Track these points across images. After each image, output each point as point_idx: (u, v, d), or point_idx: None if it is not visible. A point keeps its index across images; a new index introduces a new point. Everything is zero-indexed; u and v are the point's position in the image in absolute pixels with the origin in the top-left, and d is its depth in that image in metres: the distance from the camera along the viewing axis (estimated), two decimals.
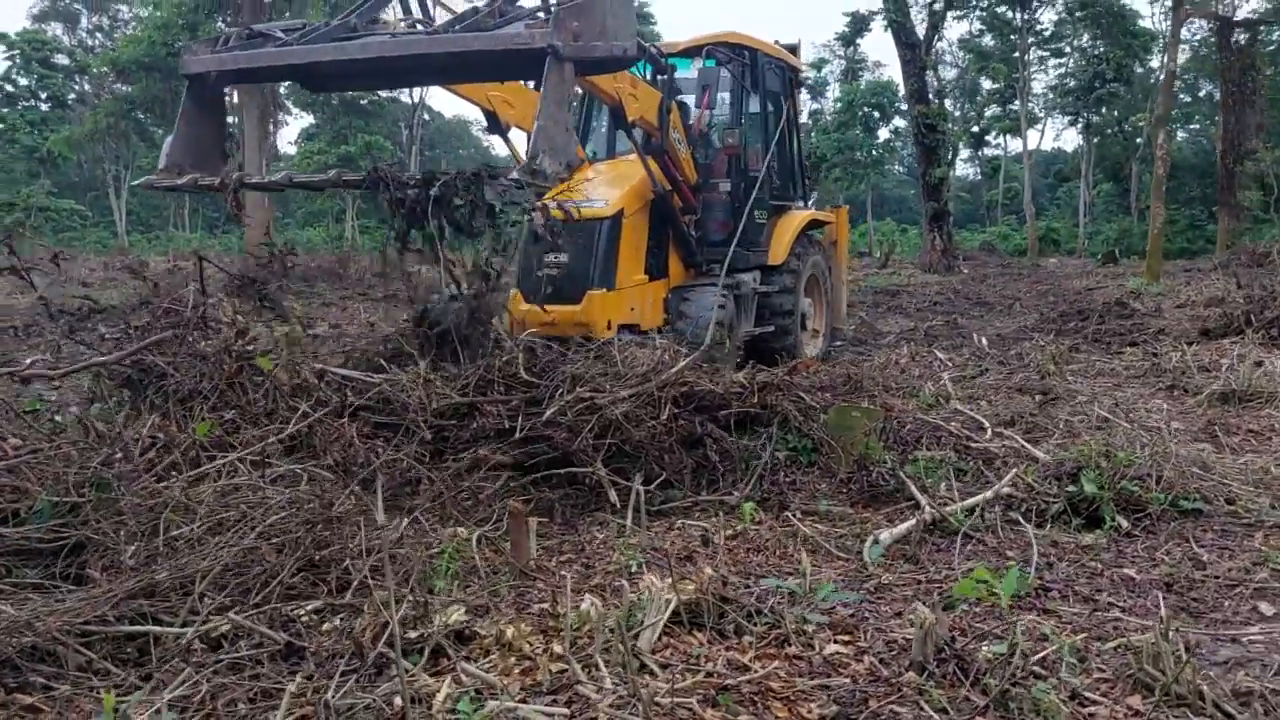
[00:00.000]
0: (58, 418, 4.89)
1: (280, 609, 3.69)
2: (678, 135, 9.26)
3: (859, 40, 53.77)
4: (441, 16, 7.11)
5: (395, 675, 3.22)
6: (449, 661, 3.41)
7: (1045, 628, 3.71)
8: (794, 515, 5.34)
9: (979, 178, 68.45)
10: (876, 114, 51.50)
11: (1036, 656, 3.50)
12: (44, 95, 58.66)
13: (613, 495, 5.27)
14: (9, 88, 57.91)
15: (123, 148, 50.87)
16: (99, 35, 66.09)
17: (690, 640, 3.73)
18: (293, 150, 57.80)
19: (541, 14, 6.20)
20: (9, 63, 57.43)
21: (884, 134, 54.18)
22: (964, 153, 64.24)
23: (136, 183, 7.36)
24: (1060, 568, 4.56)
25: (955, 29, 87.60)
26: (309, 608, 3.74)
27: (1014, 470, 5.54)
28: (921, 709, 3.16)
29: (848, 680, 3.41)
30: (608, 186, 9.41)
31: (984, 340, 12.33)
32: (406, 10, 7.96)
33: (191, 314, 6.02)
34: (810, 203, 13.57)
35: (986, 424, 6.70)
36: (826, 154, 49.42)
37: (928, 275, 29.52)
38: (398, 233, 6.12)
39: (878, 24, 46.18)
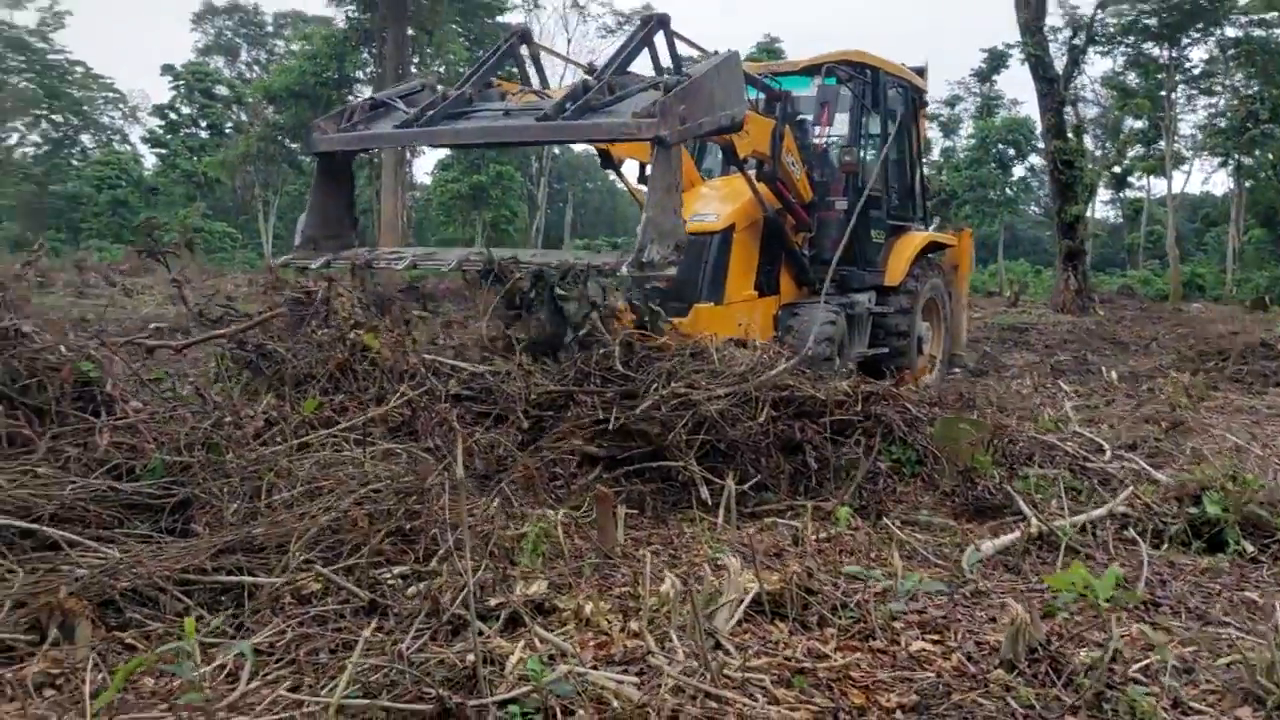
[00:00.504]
0: (178, 387, 5.11)
1: (368, 572, 3.77)
2: (792, 158, 9.22)
3: (995, 77, 52.81)
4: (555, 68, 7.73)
5: (470, 635, 3.25)
6: (525, 629, 3.41)
7: (1151, 638, 3.50)
8: (892, 524, 5.20)
9: (1120, 220, 65.99)
10: (1011, 151, 50.28)
11: (1138, 665, 3.31)
12: (204, 124, 62.14)
13: (704, 492, 5.23)
14: (173, 116, 61.51)
15: (272, 173, 53.41)
16: (256, 68, 69.67)
17: (771, 629, 3.66)
18: (428, 179, 59.86)
19: (654, 89, 6.51)
20: (174, 92, 61.08)
21: (1019, 171, 52.85)
22: (1104, 194, 62.17)
23: (281, 259, 7.92)
24: (1174, 586, 4.30)
25: (1098, 65, 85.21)
26: (395, 572, 3.80)
27: (1130, 489, 5.27)
28: (1007, 704, 3.01)
29: (932, 675, 3.28)
30: (719, 202, 9.43)
31: (1114, 374, 11.82)
32: (524, 80, 8.28)
33: (315, 306, 6.27)
34: (932, 226, 13.26)
35: (1106, 446, 6.41)
36: (957, 191, 48.51)
37: (1060, 316, 28.53)
38: (508, 318, 6.41)
39: (1015, 60, 45.33)
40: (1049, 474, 5.78)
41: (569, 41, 53.64)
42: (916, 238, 11.31)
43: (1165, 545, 4.84)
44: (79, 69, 60.55)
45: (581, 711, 2.82)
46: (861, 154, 10.45)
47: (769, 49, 47.90)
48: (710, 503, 5.22)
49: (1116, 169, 55.72)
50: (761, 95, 9.13)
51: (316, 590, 3.68)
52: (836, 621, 3.70)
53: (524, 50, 8.28)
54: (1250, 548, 4.80)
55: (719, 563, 4.39)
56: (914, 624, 3.74)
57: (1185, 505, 5.07)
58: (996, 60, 50.76)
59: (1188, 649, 3.51)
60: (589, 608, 3.62)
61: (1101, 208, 67.98)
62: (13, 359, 4.26)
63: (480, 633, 3.32)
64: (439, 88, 7.99)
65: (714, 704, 2.83)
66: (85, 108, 63.17)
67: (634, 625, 3.53)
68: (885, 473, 5.80)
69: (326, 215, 7.77)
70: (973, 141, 52.75)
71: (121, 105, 67.49)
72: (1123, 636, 3.59)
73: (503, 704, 2.90)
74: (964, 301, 13.17)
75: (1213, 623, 3.84)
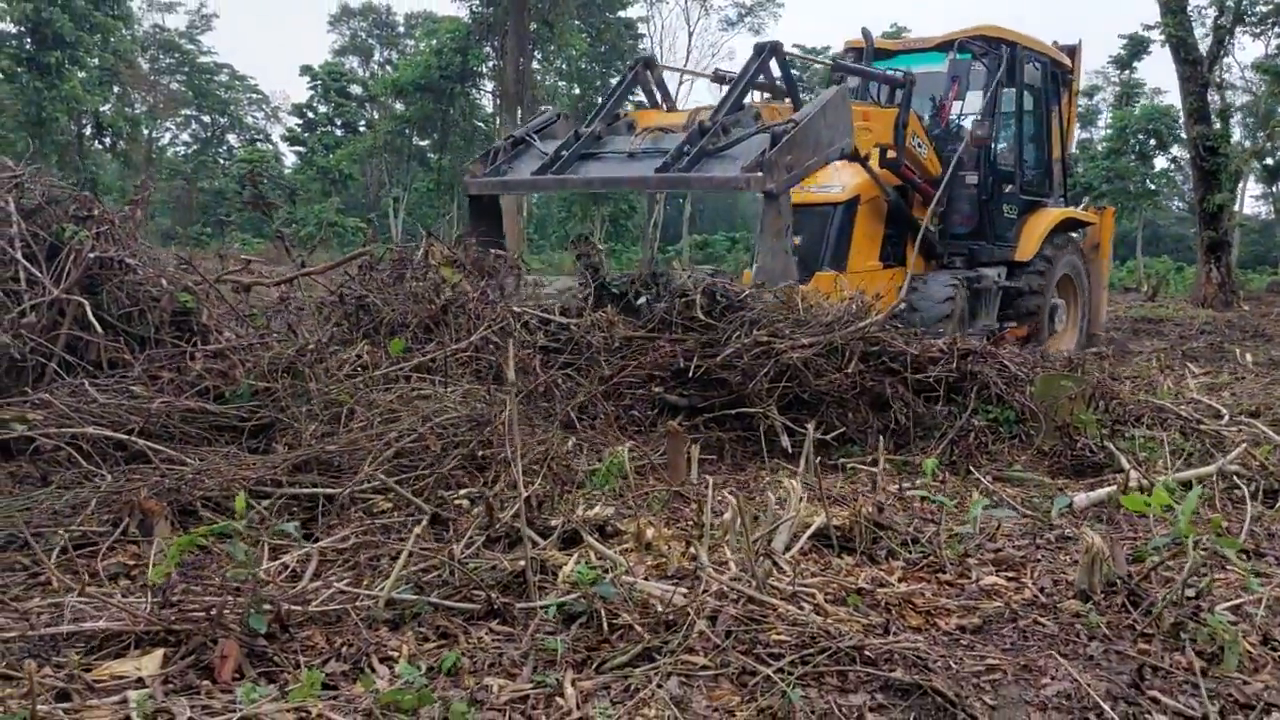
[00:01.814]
0: (273, 324, 5.29)
1: (436, 491, 3.82)
2: (918, 139, 9.21)
3: (1135, 64, 50.53)
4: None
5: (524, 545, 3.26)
6: (583, 545, 3.41)
7: (1240, 569, 3.27)
8: (981, 477, 5.01)
9: (1272, 216, 62.39)
10: (1152, 141, 48.01)
11: (1227, 604, 3.09)
12: (339, 121, 64.45)
13: (784, 440, 5.13)
14: (310, 115, 63.95)
15: (400, 170, 55.03)
16: (389, 67, 71.88)
17: (837, 561, 3.56)
18: None
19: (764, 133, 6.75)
20: (311, 92, 63.50)
21: (1160, 163, 50.43)
22: (1255, 188, 58.97)
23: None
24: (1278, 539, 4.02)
25: (1250, 50, 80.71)
26: (462, 493, 3.84)
27: (1242, 445, 4.95)
28: (1074, 628, 2.85)
29: (1000, 605, 3.14)
30: (847, 173, 9.33)
31: (1248, 358, 11.15)
32: (653, 102, 8.49)
33: (414, 263, 6.42)
34: (1080, 206, 12.82)
35: (1225, 412, 6.04)
36: (1094, 183, 46.61)
37: (1201, 310, 27.11)
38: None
39: (1156, 46, 43.26)
40: (1157, 436, 5.48)
41: (690, 35, 53.71)
42: (1051, 214, 11.00)
43: (1277, 505, 4.52)
44: (225, 71, 63.53)
45: (625, 615, 2.79)
46: (994, 129, 10.22)
47: (894, 37, 46.94)
48: (790, 452, 5.12)
49: (1269, 160, 52.70)
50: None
51: (386, 507, 3.76)
52: (905, 555, 3.58)
53: (650, 74, 8.62)
54: None
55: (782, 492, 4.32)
56: (989, 561, 3.59)
57: None
58: (1137, 46, 48.51)
59: None
60: (651, 532, 3.59)
61: (1251, 203, 64.53)
62: (118, 289, 4.46)
63: (535, 545, 3.33)
64: (568, 119, 8.45)
65: (755, 607, 2.76)
66: (231, 108, 66.12)
67: (694, 549, 3.49)
68: (980, 430, 5.60)
69: (478, 244, 8.18)
70: (1111, 132, 50.55)
71: (265, 106, 70.50)
72: (1215, 580, 3.38)
73: (551, 608, 2.89)
74: (1104, 281, 12.75)
75: None
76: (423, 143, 52.47)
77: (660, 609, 2.80)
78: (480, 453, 4.07)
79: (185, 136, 65.10)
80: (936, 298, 8.89)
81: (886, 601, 3.08)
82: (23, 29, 35.05)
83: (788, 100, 7.72)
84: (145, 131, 52.49)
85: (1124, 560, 3.31)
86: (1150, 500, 3.14)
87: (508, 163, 7.93)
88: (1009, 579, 3.44)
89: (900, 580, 3.35)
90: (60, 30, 34.83)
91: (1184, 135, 35.81)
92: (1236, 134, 51.56)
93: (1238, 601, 3.11)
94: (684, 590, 2.95)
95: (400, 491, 3.58)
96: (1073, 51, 12.27)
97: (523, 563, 3.04)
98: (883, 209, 9.41)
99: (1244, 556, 3.70)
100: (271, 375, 4.31)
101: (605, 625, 2.77)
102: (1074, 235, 11.67)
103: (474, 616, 2.86)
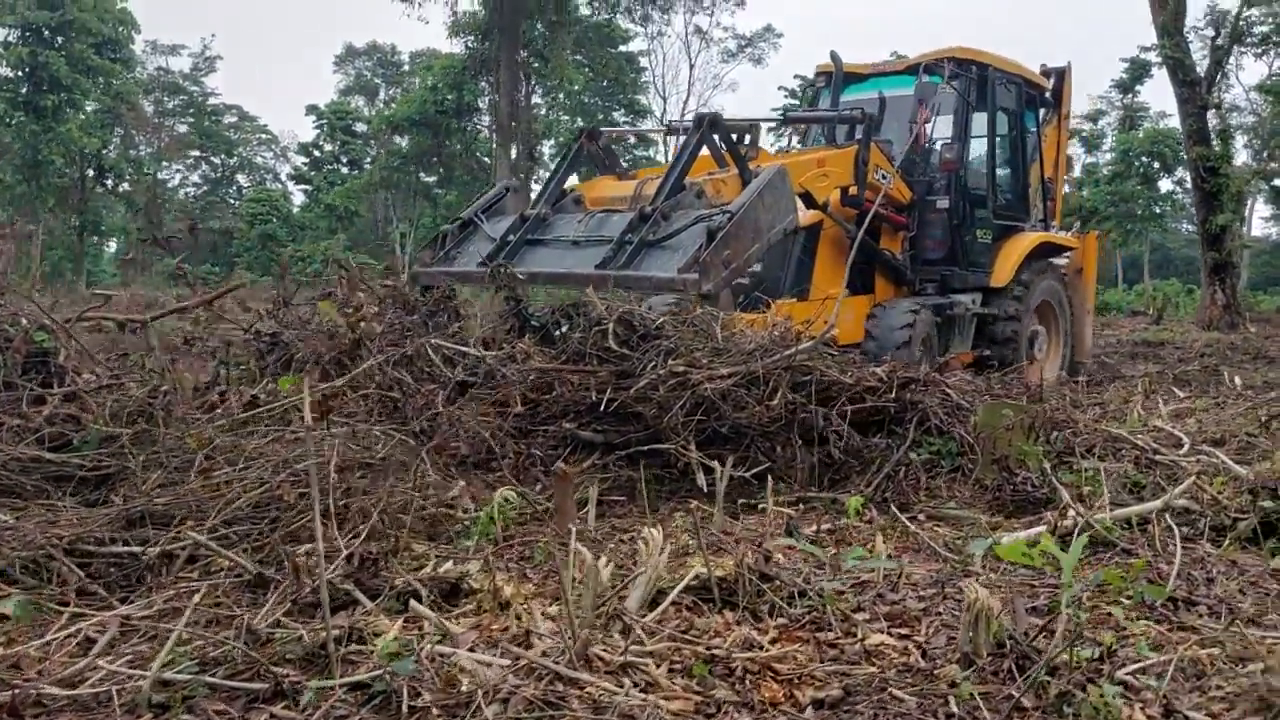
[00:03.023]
0: (148, 363, 4.98)
1: (279, 546, 3.47)
2: (882, 171, 8.94)
3: (1138, 87, 50.27)
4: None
5: (353, 609, 2.91)
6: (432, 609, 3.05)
7: (1139, 646, 2.88)
8: (914, 517, 4.65)
9: None
10: (1156, 164, 47.61)
11: (1134, 666, 2.71)
12: (345, 159, 64.71)
13: (700, 478, 4.76)
14: (317, 153, 64.23)
15: (407, 205, 55.06)
16: (394, 105, 72.34)
17: (707, 620, 3.19)
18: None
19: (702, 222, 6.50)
20: (318, 131, 63.82)
21: (1165, 186, 49.98)
22: (1264, 209, 58.50)
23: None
24: (1225, 584, 3.62)
25: (1253, 71, 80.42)
26: (306, 549, 3.49)
27: (1191, 478, 4.55)
28: (945, 702, 2.47)
29: (875, 670, 2.76)
30: None
31: (1238, 380, 10.72)
32: (604, 167, 8.20)
33: (336, 296, 6.11)
34: (1058, 229, 12.45)
35: (1185, 439, 5.64)
36: (1099, 207, 46.20)
37: (1206, 333, 26.58)
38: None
39: (1158, 69, 42.97)
40: (1108, 467, 5.09)
41: (692, 68, 53.70)
42: (1027, 238, 10.69)
43: (1230, 544, 4.12)
44: (234, 112, 63.92)
45: (425, 694, 2.43)
46: (964, 153, 9.99)
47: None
48: (707, 489, 4.76)
49: (1277, 181, 52.18)
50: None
51: (223, 564, 3.42)
52: (790, 611, 3.20)
53: (595, 144, 8.43)
54: None
55: (690, 551, 3.95)
56: (883, 615, 3.21)
57: (1260, 499, 4.33)
58: (1138, 70, 48.29)
59: (1206, 650, 2.87)
60: (508, 589, 3.23)
61: (1261, 225, 64.03)
62: None
63: (363, 609, 2.98)
64: (517, 194, 8.51)
65: (560, 685, 2.39)
66: (240, 149, 66.48)
67: (553, 608, 3.14)
68: (919, 464, 5.22)
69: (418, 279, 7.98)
70: (1114, 155, 50.20)
71: (273, 146, 70.90)
72: (1127, 635, 3.00)
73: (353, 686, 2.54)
74: (1088, 307, 12.33)
75: (1257, 625, 3.17)
76: (429, 178, 52.59)
77: (466, 686, 2.44)
78: (345, 502, 3.72)
79: (195, 178, 65.45)
80: (894, 325, 8.59)
81: (745, 669, 2.71)
82: (20, 73, 35.24)
83: (734, 169, 7.45)
84: (150, 173, 52.74)
85: (1024, 616, 2.93)
86: (1030, 549, 2.77)
87: (456, 247, 7.63)
88: (901, 637, 3.07)
89: (774, 641, 2.97)
90: (57, 73, 35.01)
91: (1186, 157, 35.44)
92: (1242, 156, 51.17)
93: (1146, 663, 2.72)
94: (506, 662, 2.59)
95: (219, 552, 3.23)
96: (1061, 74, 11.95)
97: (336, 631, 2.69)
98: (848, 233, 9.07)
99: (1171, 605, 3.31)
100: (123, 420, 4.00)
101: (404, 707, 2.42)
102: (1055, 260, 11.35)
103: (258, 698, 2.51)
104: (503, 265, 6.48)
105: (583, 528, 4.09)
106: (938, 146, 10.01)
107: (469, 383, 5.45)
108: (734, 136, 7.57)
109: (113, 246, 54.66)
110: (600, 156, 8.37)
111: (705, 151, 7.62)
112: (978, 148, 10.56)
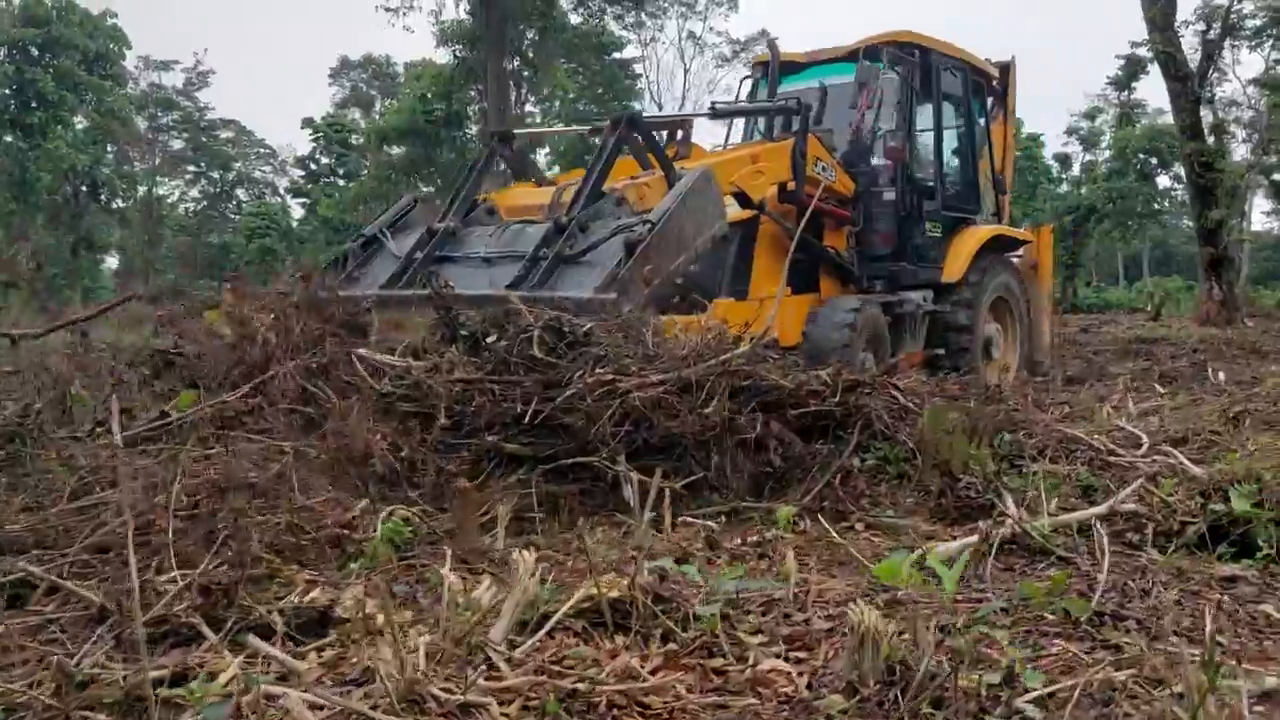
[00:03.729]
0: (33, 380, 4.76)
1: (148, 578, 3.24)
2: (823, 164, 8.62)
3: (1134, 84, 49.97)
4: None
5: (207, 646, 2.69)
6: (290, 642, 2.82)
7: (1028, 676, 2.64)
8: (850, 527, 4.42)
9: None
10: (1154, 160, 47.32)
11: (1037, 693, 2.47)
12: (341, 172, 64.61)
13: (628, 492, 4.51)
14: (313, 166, 64.15)
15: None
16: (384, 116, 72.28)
17: (607, 644, 2.96)
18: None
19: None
20: (314, 144, 63.76)
21: (1163, 182, 49.71)
22: (1264, 204, 58.17)
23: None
24: (1162, 597, 3.38)
25: (1250, 65, 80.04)
26: (167, 577, 3.26)
27: (1139, 481, 4.31)
28: None
29: (754, 700, 2.53)
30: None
31: (1221, 376, 10.47)
32: (520, 173, 7.84)
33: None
34: (1007, 222, 12.09)
35: (1145, 439, 5.40)
36: (1096, 205, 45.90)
37: (1204, 329, 26.25)
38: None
39: (1155, 65, 42.70)
40: (1061, 470, 4.86)
41: (686, 73, 53.55)
42: (979, 232, 10.34)
43: (1177, 550, 3.88)
44: (233, 127, 63.86)
45: None
46: (910, 141, 9.67)
47: None
48: (634, 503, 4.51)
49: (1277, 176, 51.82)
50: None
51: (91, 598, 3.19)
52: (682, 635, 2.97)
53: (509, 148, 8.04)
54: None
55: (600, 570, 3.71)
56: (783, 638, 2.98)
57: (1212, 501, 4.09)
58: (1134, 67, 47.97)
59: (1125, 672, 2.63)
60: (380, 617, 3.00)
61: (1262, 219, 63.69)
62: None
63: (205, 645, 2.76)
64: (426, 205, 7.77)
65: None
66: (238, 164, 66.40)
67: (422, 638, 2.90)
68: (863, 471, 4.99)
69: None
70: (1111, 152, 49.94)
71: (272, 160, 70.86)
72: (1040, 656, 2.76)
73: None
74: (1046, 304, 11.98)
75: (1188, 638, 2.93)
76: (428, 188, 52.45)
77: None
78: (221, 526, 3.49)
79: (194, 193, 65.39)
80: (833, 326, 8.22)
81: (613, 703, 2.48)
82: (7, 90, 35.18)
83: (659, 171, 7.06)
84: (144, 189, 52.69)
85: (927, 638, 2.69)
86: (902, 567, 2.53)
87: (359, 267, 7.12)
88: (798, 661, 2.83)
89: (656, 671, 2.74)
90: (43, 90, 34.94)
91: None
92: (1241, 151, 50.81)
93: (1051, 688, 2.49)
94: (342, 702, 2.36)
95: (57, 582, 3.01)
96: (1006, 69, 11.71)
97: (162, 671, 2.46)
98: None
99: (1096, 621, 3.07)
100: None
101: None
102: (1009, 256, 11.09)
103: None
104: (433, 274, 6.09)
105: (489, 548, 3.86)
106: (876, 138, 9.65)
107: (392, 395, 5.21)
108: (663, 135, 7.29)
109: (114, 262, 54.67)
110: (515, 162, 7.98)
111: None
112: (926, 139, 10.30)
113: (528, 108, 43.98)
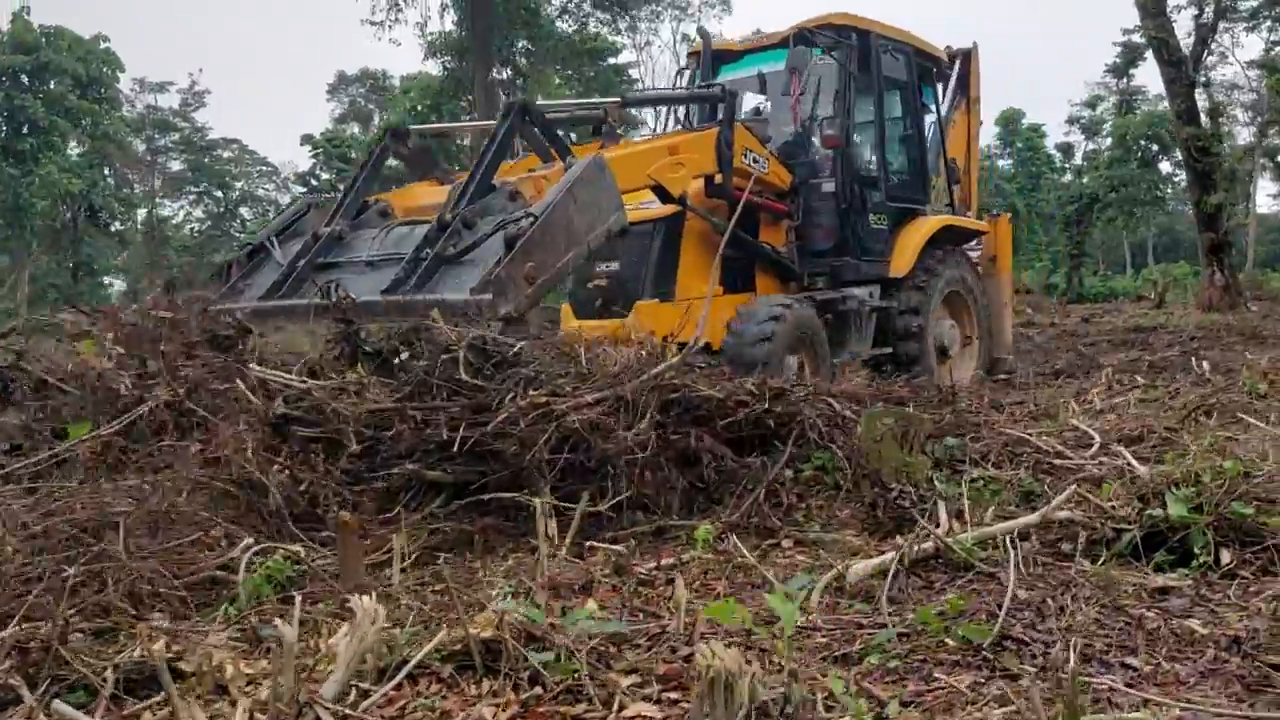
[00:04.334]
0: None
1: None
2: (754, 154, 8.13)
3: (1133, 71, 49.60)
4: None
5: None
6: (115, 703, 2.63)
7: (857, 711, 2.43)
8: (777, 544, 4.21)
9: None
10: (1155, 147, 46.91)
11: None
12: (341, 187, 64.62)
13: (543, 525, 4.16)
14: (314, 182, 64.18)
15: None
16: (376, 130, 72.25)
17: (473, 689, 2.76)
18: None
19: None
20: (314, 160, 63.81)
21: (1166, 168, 49.27)
22: (1270, 186, 57.61)
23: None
24: (1083, 612, 3.16)
25: (1250, 47, 79.42)
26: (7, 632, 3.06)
27: (1071, 487, 4.09)
28: None
29: None
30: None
31: (1205, 365, 10.19)
32: (418, 171, 7.53)
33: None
34: (970, 214, 11.59)
35: (1097, 439, 5.17)
36: (1099, 193, 45.53)
37: (1207, 315, 25.88)
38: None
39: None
40: (1004, 476, 4.64)
41: (680, 74, 53.19)
42: (928, 223, 9.81)
43: (1103, 560, 3.66)
44: (235, 146, 63.90)
45: None
46: (848, 128, 9.13)
47: None
48: (543, 533, 4.24)
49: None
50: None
51: None
52: (550, 677, 2.76)
53: (403, 146, 7.49)
54: (1228, 557, 3.58)
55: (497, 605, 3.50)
56: (658, 677, 2.77)
57: (1150, 506, 3.86)
58: (1132, 53, 47.58)
59: (1001, 711, 2.42)
60: (230, 670, 2.81)
61: (1268, 202, 63.16)
62: None
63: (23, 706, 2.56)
64: (321, 211, 7.13)
65: None
66: (240, 183, 66.42)
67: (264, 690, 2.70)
68: (798, 483, 4.78)
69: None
70: (1111, 140, 49.56)
71: (275, 178, 70.92)
72: (928, 690, 2.55)
73: None
74: (1006, 297, 11.45)
75: (1102, 661, 2.71)
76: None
77: None
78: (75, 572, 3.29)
79: (199, 213, 65.47)
80: (752, 329, 7.64)
81: None
82: None
83: (560, 164, 6.63)
84: (143, 211, 52.74)
85: (798, 687, 2.48)
86: (735, 609, 2.32)
87: (245, 278, 6.66)
88: (670, 704, 2.63)
89: (515, 717, 2.54)
90: (34, 116, 34.97)
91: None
92: (1244, 135, 50.39)
93: None
94: None
95: None
96: (967, 56, 11.37)
97: None
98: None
99: (999, 648, 2.85)
100: None
101: None
102: (965, 248, 10.60)
103: None
104: (334, 284, 5.66)
105: (380, 585, 3.65)
106: (813, 126, 9.17)
107: (290, 419, 4.85)
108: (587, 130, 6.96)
109: (118, 285, 54.68)
110: (413, 160, 7.48)
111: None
112: (873, 127, 9.77)
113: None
